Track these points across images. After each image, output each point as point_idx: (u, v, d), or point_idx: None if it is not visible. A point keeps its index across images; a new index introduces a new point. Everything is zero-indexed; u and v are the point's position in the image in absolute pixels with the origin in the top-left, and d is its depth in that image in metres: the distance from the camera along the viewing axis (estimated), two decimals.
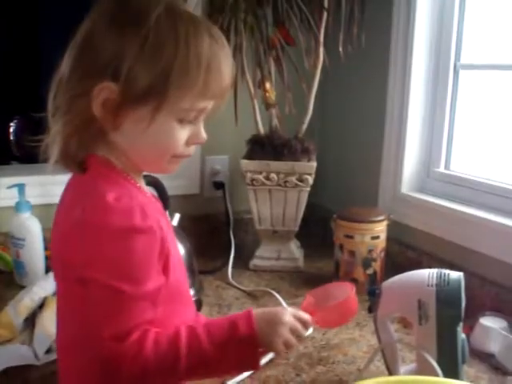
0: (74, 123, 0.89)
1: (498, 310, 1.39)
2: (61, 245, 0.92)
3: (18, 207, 1.62)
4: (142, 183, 1.00)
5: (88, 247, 0.85)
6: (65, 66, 0.90)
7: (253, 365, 0.95)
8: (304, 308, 1.06)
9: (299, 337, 0.98)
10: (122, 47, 0.85)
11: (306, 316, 1.00)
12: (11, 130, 4.64)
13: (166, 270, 0.92)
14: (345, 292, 1.09)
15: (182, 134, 0.93)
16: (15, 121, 4.61)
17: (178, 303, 0.99)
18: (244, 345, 0.91)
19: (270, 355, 1.22)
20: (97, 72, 0.86)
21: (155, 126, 0.89)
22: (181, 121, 0.91)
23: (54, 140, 0.91)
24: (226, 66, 0.91)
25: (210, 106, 0.94)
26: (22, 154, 4.42)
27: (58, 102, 0.90)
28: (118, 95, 0.86)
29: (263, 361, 1.21)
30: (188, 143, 0.95)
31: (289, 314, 0.97)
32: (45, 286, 1.42)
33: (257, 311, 0.95)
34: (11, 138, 4.66)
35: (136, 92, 0.86)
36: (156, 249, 0.89)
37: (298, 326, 0.97)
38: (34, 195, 1.69)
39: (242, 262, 1.82)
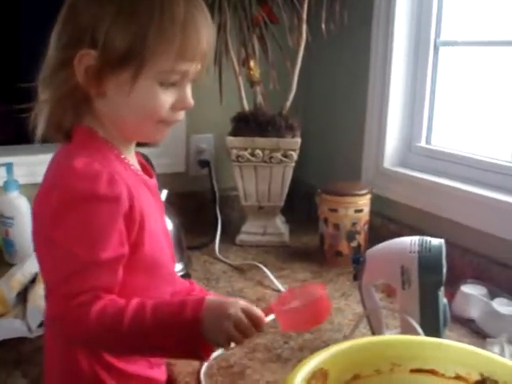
0: (60, 92, 0.91)
1: (478, 279, 1.43)
2: (35, 207, 0.95)
3: (6, 186, 1.64)
4: (128, 155, 1.00)
5: (54, 209, 0.88)
6: (52, 39, 0.93)
7: (198, 353, 0.92)
8: (269, 308, 0.98)
9: (245, 333, 0.91)
10: (99, 15, 0.88)
11: (258, 313, 0.92)
12: None
13: (138, 241, 0.93)
14: (316, 294, 1.01)
15: (166, 97, 0.93)
16: None
17: (154, 276, 0.99)
18: (186, 329, 0.89)
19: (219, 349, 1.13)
20: (76, 41, 0.89)
21: (137, 90, 0.91)
22: (162, 84, 0.92)
23: (41, 110, 0.94)
24: (202, 27, 0.92)
25: (192, 69, 0.94)
26: (3, 137, 4.41)
27: (43, 74, 0.93)
28: (98, 61, 0.88)
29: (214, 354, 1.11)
30: (174, 108, 0.95)
31: (238, 307, 0.90)
32: (36, 262, 1.44)
33: (210, 300, 0.90)
34: None
35: (114, 56, 0.88)
36: (120, 218, 0.90)
37: (244, 322, 0.90)
38: (21, 175, 1.70)
39: (229, 237, 1.85)
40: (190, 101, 0.97)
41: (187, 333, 0.89)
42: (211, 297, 0.92)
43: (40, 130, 0.94)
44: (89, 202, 0.87)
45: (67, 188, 0.88)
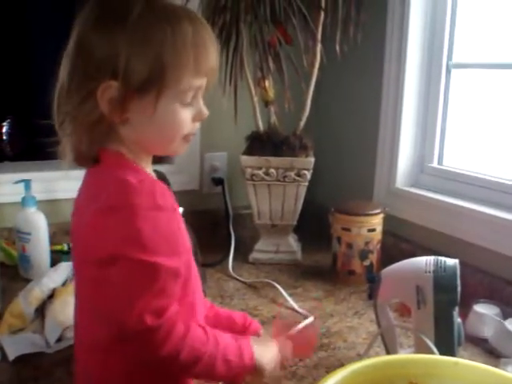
0: (85, 125, 0.94)
1: (490, 298, 1.44)
2: (86, 233, 0.94)
3: (24, 202, 1.66)
4: (150, 171, 1.04)
5: (119, 228, 0.89)
6: (62, 74, 0.95)
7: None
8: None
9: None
10: (114, 45, 0.90)
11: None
12: (4, 130, 4.66)
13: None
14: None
15: (186, 114, 0.97)
16: (8, 121, 4.63)
17: (186, 286, 1.02)
18: (242, 370, 1.01)
19: None
20: (96, 73, 0.91)
21: (159, 112, 0.94)
22: (181, 102, 0.95)
23: (66, 145, 0.97)
24: (209, 43, 0.96)
25: (204, 83, 0.98)
26: (14, 153, 4.45)
27: (64, 109, 0.95)
28: (121, 90, 0.90)
29: None
30: (193, 121, 0.99)
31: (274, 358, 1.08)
32: (54, 278, 1.46)
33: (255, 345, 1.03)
34: (4, 138, 4.68)
35: (136, 84, 0.91)
36: (179, 225, 0.96)
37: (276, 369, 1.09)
38: (39, 191, 1.73)
39: (242, 255, 1.87)
40: (206, 111, 1.00)
41: (242, 372, 1.01)
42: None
43: (68, 160, 0.98)
44: (153, 213, 0.90)
45: (130, 204, 0.89)
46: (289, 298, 1.56)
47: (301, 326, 1.32)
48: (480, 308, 1.40)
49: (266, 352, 1.05)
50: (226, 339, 0.99)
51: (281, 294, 1.60)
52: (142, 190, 0.90)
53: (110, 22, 0.92)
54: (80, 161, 0.99)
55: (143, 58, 0.90)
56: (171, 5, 0.96)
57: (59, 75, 0.95)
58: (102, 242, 0.91)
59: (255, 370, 1.02)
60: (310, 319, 1.39)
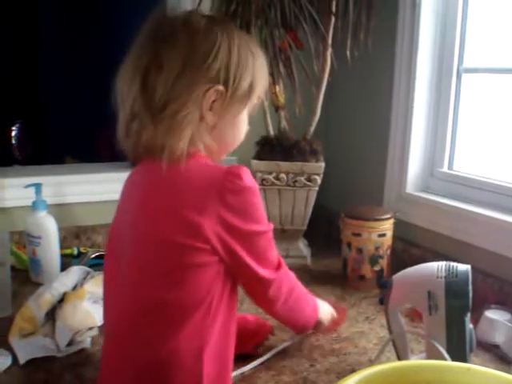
0: (189, 122, 1.03)
1: (501, 304, 1.44)
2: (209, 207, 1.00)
3: (34, 206, 1.66)
4: None
5: (249, 205, 1.03)
6: (165, 76, 1.01)
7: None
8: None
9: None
10: (228, 59, 1.04)
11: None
12: (13, 134, 4.69)
13: None
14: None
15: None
16: (17, 125, 4.66)
17: None
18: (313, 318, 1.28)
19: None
20: (210, 79, 1.02)
21: (240, 120, 1.11)
22: (250, 113, 1.13)
23: (163, 138, 1.02)
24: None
25: None
26: (23, 157, 4.48)
27: (159, 106, 1.01)
28: (225, 96, 1.04)
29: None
30: None
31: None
32: (64, 282, 1.46)
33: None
34: (13, 141, 4.71)
35: (239, 93, 1.06)
36: None
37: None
38: (49, 195, 1.73)
39: None
40: None
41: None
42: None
43: (165, 157, 1.02)
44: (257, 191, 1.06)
45: (252, 186, 1.03)
46: None
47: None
48: (491, 314, 1.39)
49: (325, 309, 1.33)
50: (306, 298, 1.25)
51: None
52: (249, 174, 1.04)
53: (221, 45, 1.04)
54: (172, 158, 1.03)
55: (246, 72, 1.06)
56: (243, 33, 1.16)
57: (153, 75, 1.02)
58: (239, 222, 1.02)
59: (318, 321, 1.29)
60: None
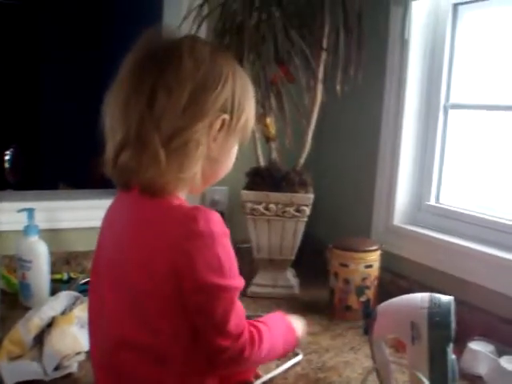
0: (200, 154, 1.02)
1: (485, 336, 1.45)
2: (168, 255, 0.97)
3: (26, 231, 1.68)
4: None
5: (204, 255, 0.97)
6: (172, 107, 0.99)
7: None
8: None
9: None
10: (234, 88, 1.05)
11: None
12: (6, 158, 4.70)
13: None
14: None
15: None
16: (11, 149, 4.67)
17: None
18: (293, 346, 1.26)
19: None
20: (217, 108, 1.02)
21: (234, 149, 1.11)
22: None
23: (174, 171, 1.00)
24: None
25: None
26: (16, 181, 4.48)
27: (168, 133, 0.99)
28: (228, 126, 1.05)
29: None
30: None
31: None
32: (54, 306, 1.47)
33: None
34: (6, 165, 4.72)
35: (242, 123, 1.07)
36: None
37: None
38: (41, 220, 1.75)
39: None
40: None
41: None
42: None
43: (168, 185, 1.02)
44: (226, 237, 1.01)
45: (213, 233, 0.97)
46: None
47: (288, 364, 1.41)
48: (475, 345, 1.41)
49: (299, 326, 1.29)
50: (278, 329, 1.18)
51: None
52: (215, 218, 0.99)
53: (228, 75, 1.05)
54: (160, 192, 1.02)
55: (247, 103, 1.08)
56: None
57: (160, 105, 0.99)
58: (192, 270, 0.97)
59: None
60: (299, 357, 1.45)
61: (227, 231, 1.01)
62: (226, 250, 0.99)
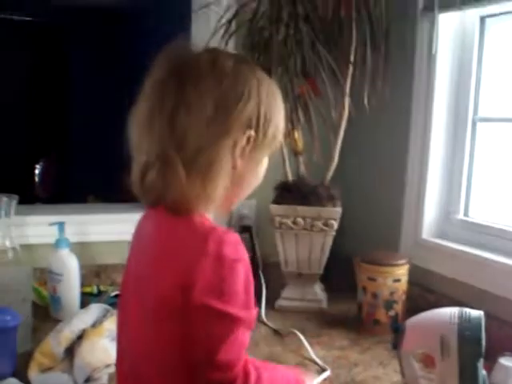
0: (225, 173, 0.98)
1: None
2: (178, 273, 0.94)
3: (57, 244, 1.70)
4: None
5: (210, 275, 0.92)
6: (193, 124, 0.96)
7: None
8: None
9: None
10: (259, 104, 0.99)
11: None
12: (36, 171, 4.77)
13: None
14: None
15: None
16: (41, 163, 4.74)
17: None
18: None
19: None
20: (241, 124, 0.98)
21: (262, 164, 1.07)
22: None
23: (198, 190, 0.97)
24: None
25: None
26: (45, 195, 4.54)
27: (191, 152, 0.96)
28: (256, 142, 1.00)
29: None
30: None
31: None
32: (84, 319, 1.49)
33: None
34: (36, 179, 4.79)
35: (269, 138, 1.02)
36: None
37: None
38: (72, 233, 1.77)
39: (268, 302, 1.88)
40: None
41: None
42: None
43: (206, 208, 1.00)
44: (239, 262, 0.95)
45: (229, 257, 0.93)
46: (309, 348, 1.57)
47: (317, 380, 1.39)
48: (506, 361, 1.39)
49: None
50: (282, 377, 1.10)
51: (303, 344, 1.59)
52: (230, 241, 0.94)
53: (251, 91, 0.99)
54: (185, 211, 0.98)
55: (274, 117, 1.02)
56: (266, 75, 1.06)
57: (181, 121, 0.96)
58: (193, 289, 0.92)
59: None
60: (327, 372, 1.44)
61: (243, 257, 0.95)
62: (234, 276, 0.92)
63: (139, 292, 1.02)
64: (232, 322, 0.93)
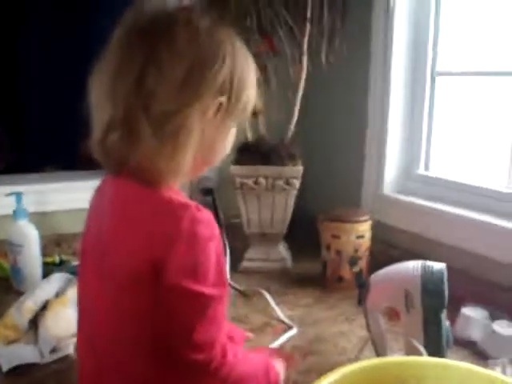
0: (194, 140, 0.93)
1: (478, 302, 1.46)
2: (149, 250, 0.91)
3: (15, 215, 1.67)
4: None
5: (182, 256, 0.89)
6: (163, 86, 0.90)
7: None
8: None
9: None
10: (232, 69, 0.95)
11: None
12: None
13: None
14: None
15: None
16: None
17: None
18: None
19: None
20: (213, 90, 0.93)
21: (230, 132, 1.02)
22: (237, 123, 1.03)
23: (167, 158, 0.93)
24: None
25: None
26: (3, 165, 4.44)
27: (159, 116, 0.91)
28: (227, 109, 0.96)
29: None
30: None
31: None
32: (47, 289, 1.47)
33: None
34: None
35: (240, 106, 0.98)
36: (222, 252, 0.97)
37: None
38: (30, 203, 1.74)
39: (232, 264, 1.87)
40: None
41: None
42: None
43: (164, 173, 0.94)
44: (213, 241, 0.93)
45: (202, 236, 0.91)
46: (276, 308, 1.57)
47: (283, 337, 1.40)
48: (468, 311, 1.42)
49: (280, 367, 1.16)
50: (255, 360, 1.10)
51: (270, 303, 1.60)
52: (204, 219, 0.91)
53: (225, 55, 0.95)
54: (154, 181, 0.94)
55: (246, 83, 0.98)
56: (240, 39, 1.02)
57: (148, 84, 0.90)
58: (166, 269, 0.90)
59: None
60: (294, 331, 1.45)
61: (216, 234, 0.93)
62: (206, 255, 0.91)
63: (100, 262, 0.98)
64: (206, 300, 0.92)
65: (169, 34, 0.92)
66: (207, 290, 0.91)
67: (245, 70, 0.98)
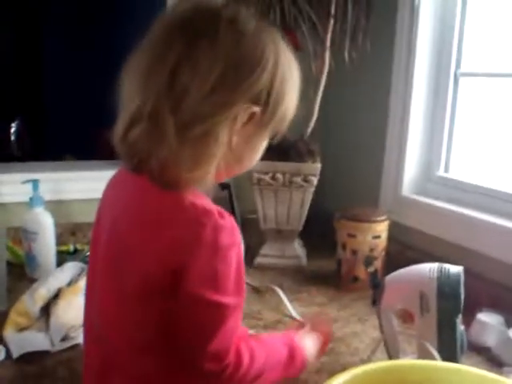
0: (218, 149, 0.89)
1: (494, 307, 1.44)
2: (167, 256, 0.88)
3: (31, 202, 1.67)
4: None
5: (203, 265, 0.87)
6: (196, 85, 0.86)
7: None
8: None
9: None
10: (272, 78, 0.89)
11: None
12: (12, 130, 4.69)
13: None
14: None
15: None
16: (16, 121, 4.66)
17: None
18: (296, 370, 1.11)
19: None
20: (247, 99, 0.88)
21: (261, 144, 0.98)
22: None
23: (187, 163, 0.89)
24: None
25: None
26: (21, 153, 4.48)
27: (187, 118, 0.86)
28: (261, 120, 0.91)
29: None
30: None
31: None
32: (60, 278, 1.47)
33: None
34: (12, 138, 4.71)
35: (276, 118, 0.93)
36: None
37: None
38: (46, 191, 1.74)
39: (247, 259, 1.86)
40: None
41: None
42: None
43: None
44: (235, 249, 0.91)
45: (224, 245, 0.89)
46: (289, 306, 1.56)
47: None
48: (484, 317, 1.40)
49: (310, 346, 1.15)
50: (276, 348, 1.07)
51: (283, 300, 1.59)
52: (227, 226, 0.88)
53: (268, 61, 0.90)
54: (173, 185, 0.90)
55: (286, 95, 0.93)
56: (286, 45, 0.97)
57: (181, 84, 0.86)
58: (185, 278, 0.87)
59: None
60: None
61: (238, 241, 0.90)
62: (228, 264, 0.88)
63: (113, 261, 0.96)
64: (224, 311, 0.89)
65: (210, 32, 0.87)
66: (226, 299, 0.88)
67: (286, 81, 0.92)
